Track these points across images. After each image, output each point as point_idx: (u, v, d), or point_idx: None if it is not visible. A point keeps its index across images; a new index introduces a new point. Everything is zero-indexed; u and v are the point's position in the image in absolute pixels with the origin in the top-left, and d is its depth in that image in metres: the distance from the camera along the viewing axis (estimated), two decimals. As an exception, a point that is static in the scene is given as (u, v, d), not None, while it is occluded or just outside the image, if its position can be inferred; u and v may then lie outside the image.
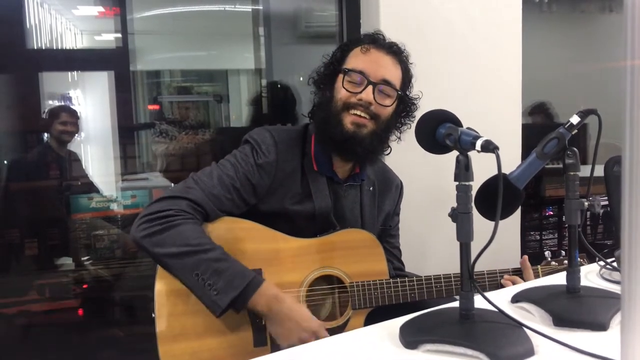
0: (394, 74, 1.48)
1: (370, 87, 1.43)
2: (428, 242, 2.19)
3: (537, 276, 1.60)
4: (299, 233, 1.47)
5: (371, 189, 1.63)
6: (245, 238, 1.42)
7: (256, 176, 1.45)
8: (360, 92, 1.44)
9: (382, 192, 1.67)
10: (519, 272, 1.58)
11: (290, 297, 1.36)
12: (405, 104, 1.53)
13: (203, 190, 1.39)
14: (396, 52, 1.50)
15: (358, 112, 1.44)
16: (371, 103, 1.44)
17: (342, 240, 1.49)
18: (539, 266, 1.61)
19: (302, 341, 1.29)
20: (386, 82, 1.46)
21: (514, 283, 1.54)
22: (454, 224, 0.96)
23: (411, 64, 1.54)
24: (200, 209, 1.38)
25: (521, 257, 1.60)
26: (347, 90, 1.45)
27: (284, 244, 1.44)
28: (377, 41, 1.50)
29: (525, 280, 1.55)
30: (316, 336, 1.31)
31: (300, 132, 1.56)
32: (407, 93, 1.54)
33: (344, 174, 1.57)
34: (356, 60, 1.47)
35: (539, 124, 3.76)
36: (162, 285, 1.36)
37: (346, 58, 1.50)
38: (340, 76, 1.48)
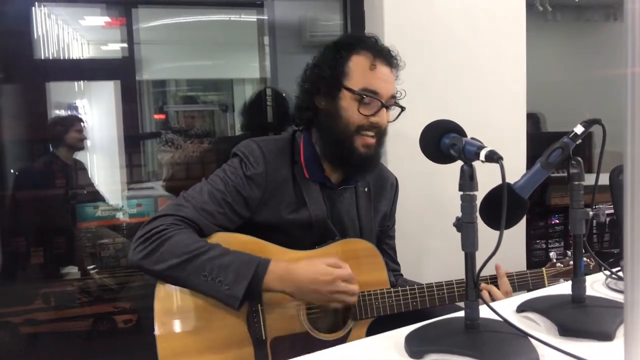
0: (395, 87, 1.49)
1: (383, 110, 1.44)
2: (425, 248, 2.18)
3: (541, 279, 1.57)
4: (297, 244, 1.46)
5: (366, 189, 1.62)
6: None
7: (247, 189, 1.44)
8: (374, 114, 1.43)
9: (378, 192, 1.66)
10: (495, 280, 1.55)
11: (300, 262, 1.37)
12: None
13: (194, 207, 1.39)
14: (396, 65, 1.49)
15: (370, 134, 1.45)
16: (384, 125, 1.45)
17: (341, 251, 1.48)
18: (543, 269, 1.58)
19: (335, 292, 1.34)
20: (394, 100, 1.47)
21: (490, 293, 1.51)
22: (452, 230, 0.97)
23: (402, 69, 1.53)
24: (194, 224, 1.38)
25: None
26: (362, 114, 1.43)
27: (282, 256, 1.43)
28: (381, 53, 1.46)
29: (500, 289, 1.51)
30: (343, 279, 1.34)
31: (288, 141, 1.55)
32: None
33: (337, 178, 1.56)
34: (365, 77, 1.43)
35: (544, 133, 3.77)
36: (161, 304, 1.35)
37: (347, 69, 1.45)
38: (349, 95, 1.43)
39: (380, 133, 1.47)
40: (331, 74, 1.46)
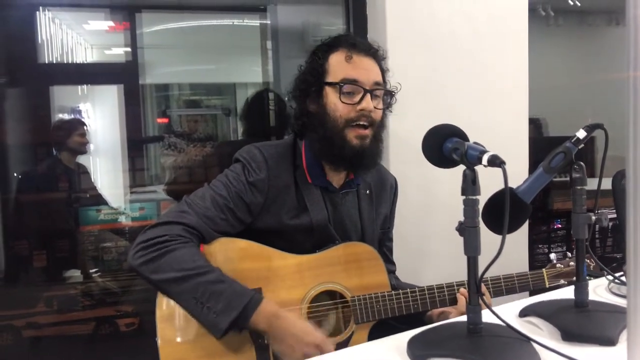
0: (379, 74, 1.49)
1: (367, 95, 1.44)
2: (426, 251, 2.18)
3: (542, 280, 1.57)
4: (298, 249, 1.46)
5: (368, 192, 1.62)
6: (242, 257, 1.41)
7: (249, 194, 1.44)
8: (359, 102, 1.43)
9: (379, 194, 1.66)
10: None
11: (291, 313, 1.36)
12: (387, 97, 1.53)
13: (197, 213, 1.39)
14: (374, 54, 1.50)
15: (361, 122, 1.44)
16: (371, 111, 1.44)
17: (341, 255, 1.48)
18: (544, 269, 1.58)
19: (307, 356, 1.28)
20: (377, 85, 1.47)
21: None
22: (453, 233, 0.97)
23: (384, 59, 1.54)
24: (196, 232, 1.38)
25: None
26: (346, 103, 1.44)
27: (283, 261, 1.43)
28: (356, 46, 1.48)
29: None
30: (320, 350, 1.30)
31: (290, 145, 1.55)
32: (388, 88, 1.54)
33: (339, 181, 1.56)
34: (343, 69, 1.46)
35: (547, 138, 3.77)
36: (163, 311, 1.35)
37: (326, 67, 1.48)
38: (330, 90, 1.46)
39: (374, 124, 1.46)
40: (313, 77, 1.49)
